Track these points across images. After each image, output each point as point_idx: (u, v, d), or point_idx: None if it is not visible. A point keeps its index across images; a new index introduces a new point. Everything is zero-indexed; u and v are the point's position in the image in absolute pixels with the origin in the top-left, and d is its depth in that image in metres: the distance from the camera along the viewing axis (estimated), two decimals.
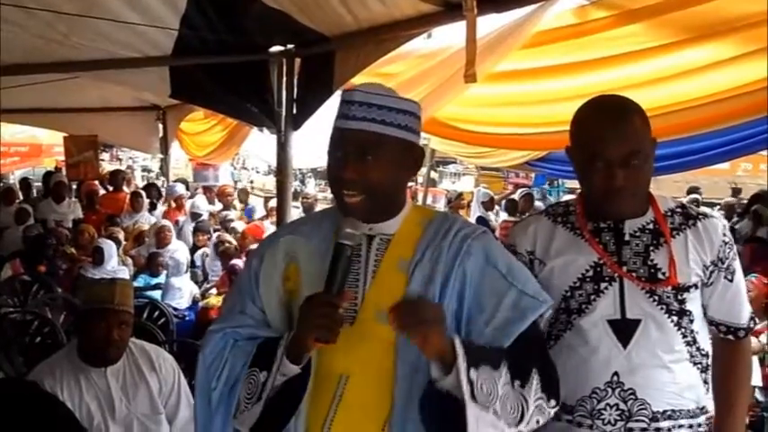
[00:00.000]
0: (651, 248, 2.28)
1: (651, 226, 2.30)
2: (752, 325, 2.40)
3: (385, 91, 2.03)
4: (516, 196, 12.38)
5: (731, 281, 2.33)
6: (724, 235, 2.32)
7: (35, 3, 4.33)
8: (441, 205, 13.67)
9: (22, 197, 11.44)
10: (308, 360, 1.92)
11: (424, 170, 13.90)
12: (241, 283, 2.15)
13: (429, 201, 12.41)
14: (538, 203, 12.02)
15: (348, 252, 1.91)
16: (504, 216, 11.92)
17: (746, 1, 2.99)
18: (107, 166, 18.30)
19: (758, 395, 5.37)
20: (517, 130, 5.25)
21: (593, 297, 2.27)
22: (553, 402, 1.97)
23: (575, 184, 15.20)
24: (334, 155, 1.99)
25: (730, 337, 2.38)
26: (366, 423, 1.96)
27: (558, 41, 3.95)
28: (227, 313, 2.11)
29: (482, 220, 11.78)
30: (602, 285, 2.27)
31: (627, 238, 2.29)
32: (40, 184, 13.00)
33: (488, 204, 12.58)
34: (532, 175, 12.55)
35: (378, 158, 1.96)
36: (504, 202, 13.17)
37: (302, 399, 1.93)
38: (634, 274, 2.26)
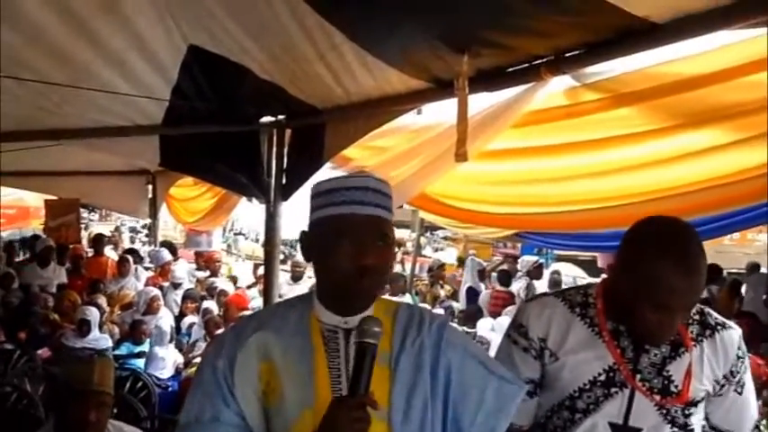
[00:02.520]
0: (668, 360, 2.21)
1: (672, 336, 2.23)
2: None
3: (378, 177, 2.01)
4: (521, 267, 12.25)
5: (740, 393, 2.28)
6: (739, 348, 2.26)
7: (29, 73, 4.32)
8: (423, 274, 13.66)
9: (5, 260, 11.31)
10: None
11: (414, 236, 13.94)
12: (204, 385, 1.95)
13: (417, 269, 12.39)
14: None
15: (374, 351, 1.84)
16: (496, 286, 11.80)
17: (742, 89, 2.97)
18: (96, 226, 18.26)
19: None
20: (508, 209, 5.22)
21: (601, 400, 2.21)
22: None
23: (562, 252, 15.23)
24: (350, 241, 1.89)
25: None
26: None
27: (550, 122, 3.93)
28: (197, 423, 1.92)
29: (472, 291, 11.73)
30: (613, 390, 2.21)
31: (646, 347, 2.22)
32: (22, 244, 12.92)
33: (482, 274, 12.53)
34: (518, 246, 12.51)
35: (390, 245, 1.95)
36: (495, 273, 13.12)
37: None
38: (647, 385, 2.19)
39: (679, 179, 3.70)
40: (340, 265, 1.89)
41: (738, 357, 2.25)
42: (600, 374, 2.21)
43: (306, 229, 2.02)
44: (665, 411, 2.19)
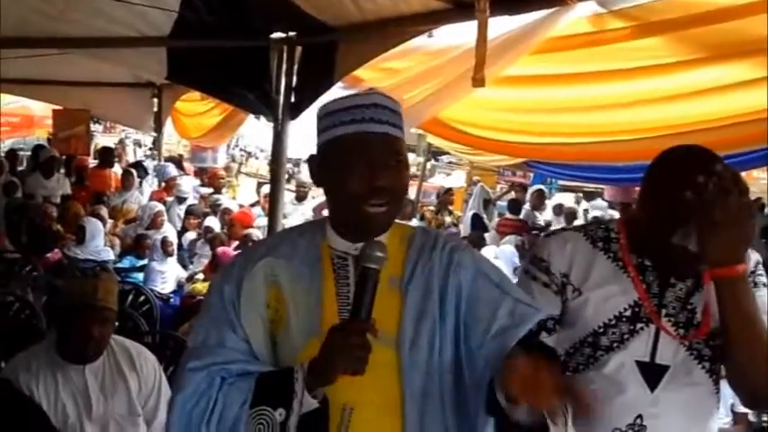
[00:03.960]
0: (692, 293, 2.16)
1: None
2: None
3: (389, 95, 1.92)
4: (528, 195, 12.23)
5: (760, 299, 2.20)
6: (752, 273, 2.19)
7: None
8: (431, 200, 13.61)
9: (8, 169, 11.27)
10: (324, 393, 1.78)
11: (420, 160, 13.86)
12: (212, 311, 1.92)
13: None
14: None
15: (376, 277, 1.76)
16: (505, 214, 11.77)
17: None
18: (100, 137, 18.19)
19: (751, 417, 5.32)
20: (523, 138, 5.13)
21: (626, 336, 2.15)
22: None
23: (566, 182, 15.17)
24: (358, 162, 1.81)
25: None
26: None
27: (572, 49, 3.82)
28: (204, 347, 1.89)
29: (477, 218, 11.70)
30: (639, 326, 2.15)
31: (672, 280, 2.17)
32: (29, 153, 12.86)
33: (488, 203, 12.49)
34: (530, 174, 12.41)
35: (403, 164, 1.86)
36: (497, 203, 13.10)
37: (327, 429, 1.78)
38: (672, 320, 2.14)
39: (703, 114, 3.61)
40: (352, 188, 1.81)
41: (752, 279, 2.18)
42: (625, 309, 2.16)
43: (314, 152, 1.93)
44: (689, 345, 2.15)
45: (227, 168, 13.40)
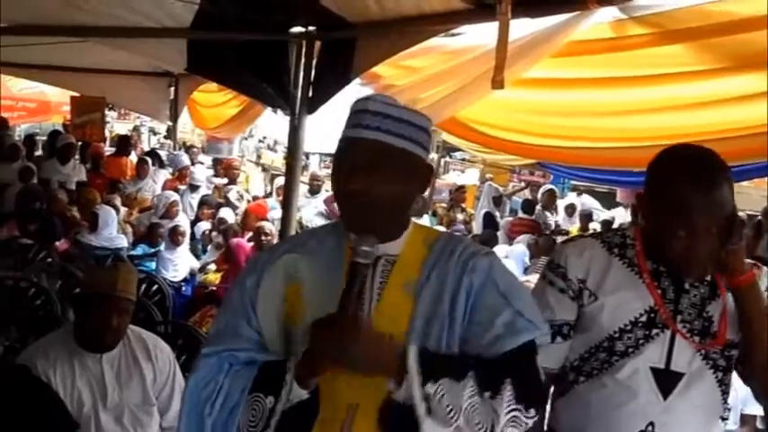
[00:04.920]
0: (707, 301, 2.19)
1: (709, 277, 2.19)
2: None
3: (399, 103, 1.94)
4: (539, 194, 12.21)
5: None
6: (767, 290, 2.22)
7: None
8: (443, 197, 13.58)
9: (25, 154, 11.32)
10: (315, 385, 1.84)
11: (434, 157, 13.85)
12: (232, 302, 2.01)
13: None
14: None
15: (365, 272, 1.82)
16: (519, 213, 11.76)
17: None
18: (115, 124, 18.23)
19: (759, 424, 5.31)
20: (541, 141, 5.12)
21: (641, 342, 2.17)
22: (533, 412, 1.86)
23: (578, 183, 15.12)
24: (343, 165, 1.89)
25: None
26: None
27: (593, 54, 3.82)
28: (219, 335, 1.98)
29: (489, 216, 11.70)
30: (654, 332, 2.17)
31: (687, 287, 2.19)
32: (44, 138, 12.90)
33: (498, 200, 12.47)
34: (551, 175, 12.39)
35: (387, 171, 1.87)
36: (512, 198, 13.07)
37: (314, 425, 1.84)
38: (687, 327, 2.16)
39: (723, 123, 3.60)
40: (334, 189, 1.95)
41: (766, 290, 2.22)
42: (641, 315, 2.18)
43: None
44: (705, 354, 2.17)
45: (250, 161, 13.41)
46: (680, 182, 2.07)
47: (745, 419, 5.21)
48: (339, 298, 1.82)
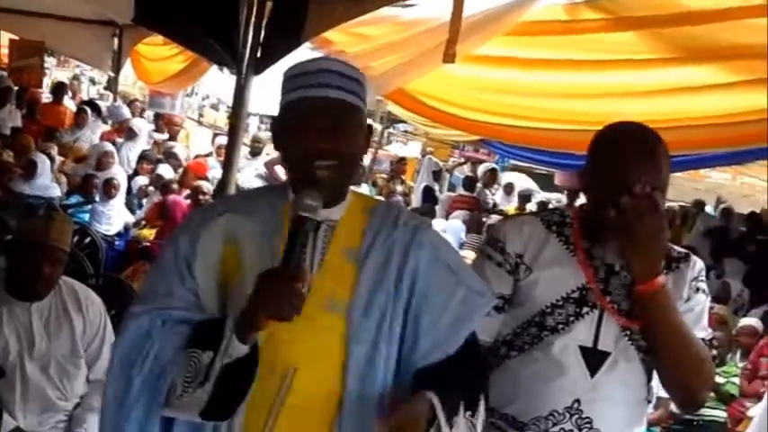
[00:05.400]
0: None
1: None
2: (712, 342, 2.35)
3: (348, 62, 1.96)
4: (480, 172, 12.29)
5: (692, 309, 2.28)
6: (695, 279, 2.27)
7: None
8: (384, 167, 13.60)
9: None
10: (255, 341, 1.80)
11: (378, 127, 13.84)
12: (165, 262, 1.95)
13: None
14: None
15: (309, 226, 1.79)
16: (460, 191, 11.81)
17: (743, 30, 2.92)
18: (54, 71, 17.75)
19: (673, 407, 5.47)
20: (486, 117, 5.14)
21: (572, 319, 2.21)
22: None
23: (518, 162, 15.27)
24: (308, 124, 1.84)
25: None
26: (313, 419, 1.87)
27: (545, 35, 3.84)
28: (151, 295, 1.92)
29: (428, 190, 11.76)
30: (584, 310, 2.21)
31: (617, 268, 2.22)
32: None
33: (437, 174, 12.54)
34: (496, 156, 12.49)
35: (352, 129, 1.88)
36: (453, 174, 13.15)
37: (254, 379, 1.80)
38: (616, 307, 2.20)
39: (667, 113, 3.66)
40: (298, 150, 1.86)
41: (695, 286, 2.26)
42: (573, 291, 2.21)
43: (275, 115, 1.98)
44: (630, 333, 2.20)
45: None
46: (622, 144, 2.15)
47: (660, 402, 5.36)
48: (278, 259, 1.80)
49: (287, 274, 1.73)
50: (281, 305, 1.72)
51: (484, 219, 9.72)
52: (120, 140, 10.20)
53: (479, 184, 11.73)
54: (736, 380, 6.48)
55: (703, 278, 2.31)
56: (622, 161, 2.11)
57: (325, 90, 1.85)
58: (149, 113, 13.08)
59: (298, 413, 1.85)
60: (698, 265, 2.30)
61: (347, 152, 1.88)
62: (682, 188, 16.11)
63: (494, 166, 12.48)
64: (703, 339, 2.24)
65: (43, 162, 7.91)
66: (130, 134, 10.25)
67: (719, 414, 6.10)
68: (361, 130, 1.92)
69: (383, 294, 1.90)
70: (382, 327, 1.88)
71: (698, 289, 2.27)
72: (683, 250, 2.36)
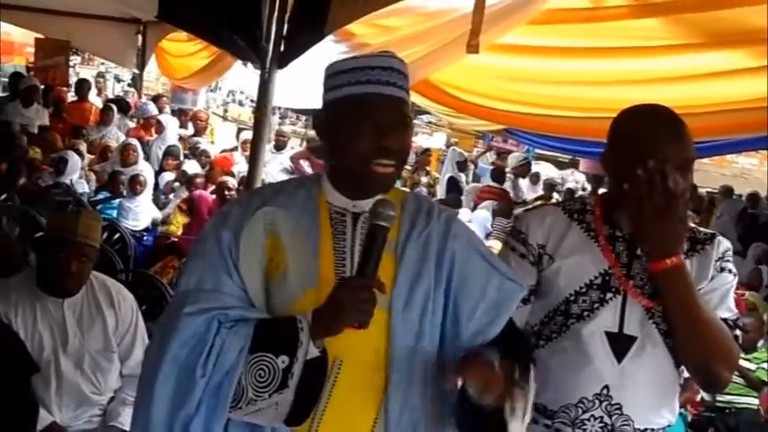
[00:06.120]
0: None
1: None
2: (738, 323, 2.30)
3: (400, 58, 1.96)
4: (510, 162, 12.20)
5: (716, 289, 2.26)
6: (720, 259, 2.26)
7: None
8: (409, 158, 13.53)
9: None
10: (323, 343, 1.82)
11: None
12: (208, 256, 1.91)
13: None
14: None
15: (386, 235, 1.80)
16: (486, 181, 11.72)
17: None
18: (79, 69, 17.88)
19: (704, 394, 5.44)
20: (510, 107, 5.11)
21: (596, 306, 2.22)
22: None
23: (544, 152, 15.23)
24: (370, 122, 1.85)
25: None
26: (360, 409, 1.88)
27: (569, 23, 3.83)
28: (199, 292, 1.88)
29: (453, 181, 11.74)
30: (608, 296, 2.22)
31: (639, 252, 2.22)
32: (5, 80, 12.62)
33: (462, 165, 12.49)
34: (525, 147, 12.42)
35: (410, 129, 1.93)
36: (478, 163, 13.10)
37: (324, 382, 1.82)
38: (639, 290, 2.20)
39: (691, 99, 3.63)
40: (362, 146, 1.85)
41: (721, 267, 2.25)
42: (596, 278, 2.22)
43: (321, 108, 1.95)
44: (653, 315, 2.20)
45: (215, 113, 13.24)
46: (646, 118, 2.17)
47: (687, 384, 5.34)
48: (317, 249, 1.86)
49: (366, 284, 1.76)
50: (362, 314, 1.75)
51: (510, 206, 9.68)
52: (148, 138, 10.27)
53: (510, 176, 11.65)
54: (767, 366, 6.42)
55: (730, 258, 2.29)
56: (646, 132, 2.12)
57: (391, 88, 1.87)
58: (169, 109, 13.16)
59: (346, 402, 1.87)
60: (723, 244, 2.29)
61: (406, 151, 1.92)
62: (708, 174, 16.01)
63: (527, 157, 12.41)
64: (727, 320, 2.23)
65: (74, 159, 7.99)
66: (159, 129, 10.30)
67: (752, 401, 6.05)
68: (413, 128, 1.98)
69: (423, 286, 1.92)
70: (424, 317, 1.91)
71: (722, 268, 2.27)
72: (709, 231, 2.36)
